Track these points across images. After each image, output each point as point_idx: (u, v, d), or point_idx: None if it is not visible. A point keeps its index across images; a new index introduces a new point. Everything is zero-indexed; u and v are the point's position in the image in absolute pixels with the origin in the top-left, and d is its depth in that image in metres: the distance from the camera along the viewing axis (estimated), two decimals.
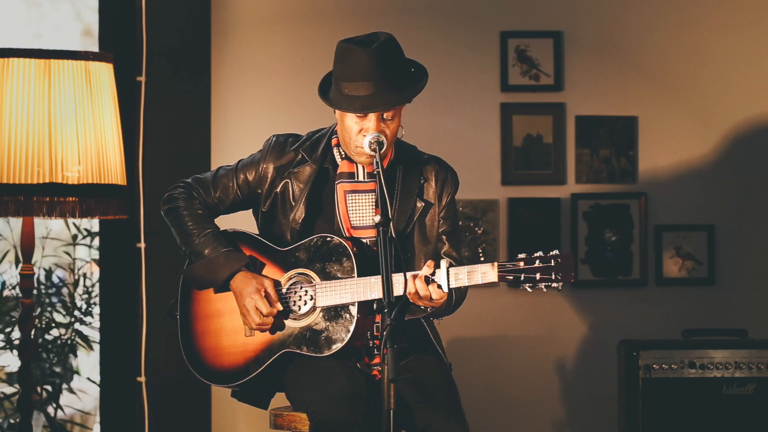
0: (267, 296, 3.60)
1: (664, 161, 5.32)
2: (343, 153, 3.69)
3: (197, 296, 3.76)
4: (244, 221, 3.90)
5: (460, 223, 5.17)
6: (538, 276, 3.39)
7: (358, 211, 3.67)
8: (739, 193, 5.33)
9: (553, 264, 3.39)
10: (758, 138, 5.33)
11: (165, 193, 3.81)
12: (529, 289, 3.42)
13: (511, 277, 3.41)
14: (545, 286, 3.40)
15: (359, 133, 3.58)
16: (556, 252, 3.40)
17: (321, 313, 3.59)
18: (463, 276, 3.45)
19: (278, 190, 3.73)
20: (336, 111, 3.63)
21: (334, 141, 3.72)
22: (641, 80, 5.32)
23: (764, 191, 5.34)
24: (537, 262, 3.40)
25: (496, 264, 3.43)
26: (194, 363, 3.74)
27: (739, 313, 5.28)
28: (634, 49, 5.32)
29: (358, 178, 3.67)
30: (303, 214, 3.70)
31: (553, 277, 3.39)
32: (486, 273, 3.44)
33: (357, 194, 3.67)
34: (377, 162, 3.45)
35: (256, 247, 3.72)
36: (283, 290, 3.65)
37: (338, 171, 3.69)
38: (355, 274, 3.56)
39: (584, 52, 5.31)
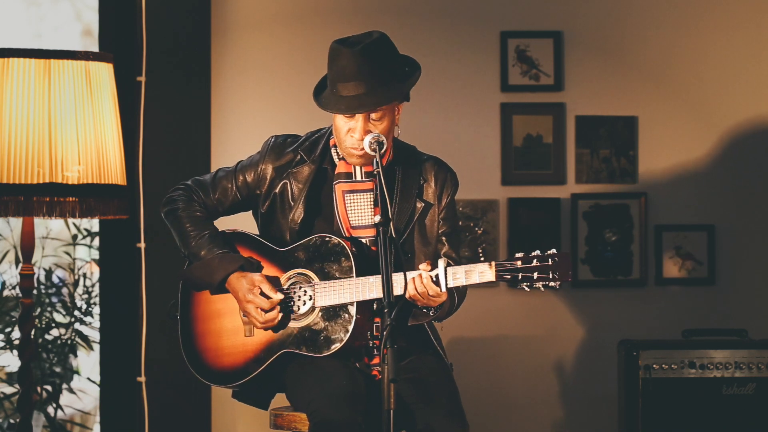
0: (262, 292, 3.60)
1: (664, 161, 5.32)
2: (340, 153, 3.69)
3: (197, 297, 3.76)
4: (245, 222, 3.89)
5: (460, 223, 5.17)
6: (535, 275, 3.40)
7: (357, 211, 3.67)
8: (739, 193, 5.33)
9: (550, 263, 3.39)
10: (758, 138, 5.33)
11: (165, 196, 3.81)
12: (527, 289, 3.42)
13: (509, 276, 3.41)
14: (543, 285, 3.40)
15: (347, 134, 3.58)
16: (553, 251, 3.40)
17: (320, 313, 3.59)
18: (461, 275, 3.45)
19: (277, 190, 3.73)
20: None
21: (332, 141, 3.72)
22: (641, 80, 5.32)
23: (764, 191, 5.34)
24: (534, 261, 3.40)
25: (493, 263, 3.43)
26: (195, 364, 3.75)
27: (739, 313, 5.28)
28: (634, 49, 5.32)
29: (355, 177, 3.67)
30: (302, 215, 3.69)
31: (551, 276, 3.39)
32: (484, 272, 3.44)
33: (355, 194, 3.67)
34: (377, 162, 3.44)
35: (255, 248, 3.72)
36: (284, 289, 3.65)
37: (336, 171, 3.69)
38: (354, 274, 3.56)
39: (584, 52, 5.31)
